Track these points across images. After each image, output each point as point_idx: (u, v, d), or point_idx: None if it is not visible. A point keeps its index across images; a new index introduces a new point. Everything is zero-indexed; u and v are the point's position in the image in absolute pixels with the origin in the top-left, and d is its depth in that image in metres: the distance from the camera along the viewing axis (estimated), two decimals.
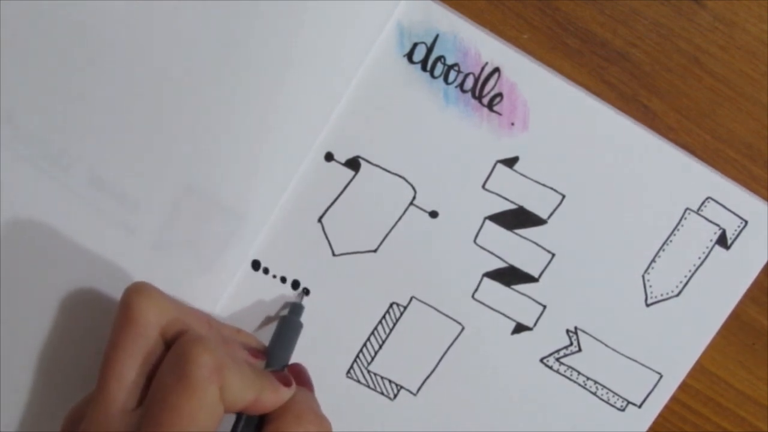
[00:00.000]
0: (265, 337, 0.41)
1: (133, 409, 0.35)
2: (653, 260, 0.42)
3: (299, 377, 0.39)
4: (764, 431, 0.45)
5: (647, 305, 0.43)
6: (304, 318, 0.41)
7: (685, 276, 0.42)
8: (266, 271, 0.42)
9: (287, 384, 0.37)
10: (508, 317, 0.43)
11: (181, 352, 0.34)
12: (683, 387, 0.43)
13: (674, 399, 0.44)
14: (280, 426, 0.36)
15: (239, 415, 0.37)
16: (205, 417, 0.33)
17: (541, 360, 0.43)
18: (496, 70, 0.41)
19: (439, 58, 0.40)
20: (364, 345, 0.43)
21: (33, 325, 0.40)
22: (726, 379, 0.44)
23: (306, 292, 0.42)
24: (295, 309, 0.41)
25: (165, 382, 0.33)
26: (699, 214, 0.42)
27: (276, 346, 0.40)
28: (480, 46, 0.40)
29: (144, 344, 0.35)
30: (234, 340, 0.39)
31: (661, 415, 0.44)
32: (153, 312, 0.35)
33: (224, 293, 0.41)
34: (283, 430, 0.36)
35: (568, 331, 0.43)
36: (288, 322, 0.41)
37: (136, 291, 0.36)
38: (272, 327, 0.42)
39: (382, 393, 0.43)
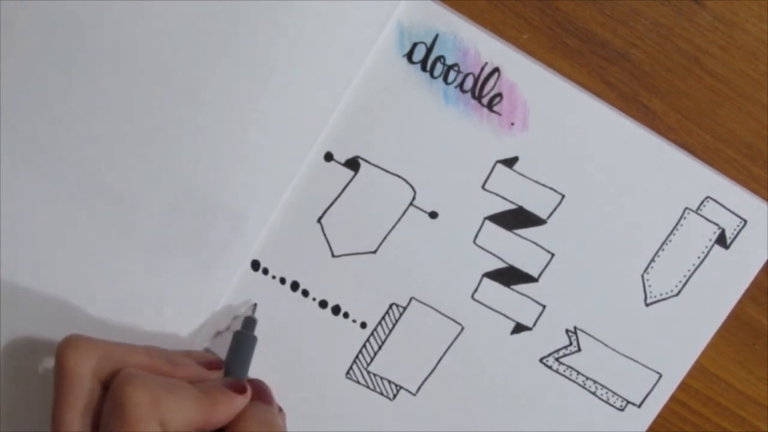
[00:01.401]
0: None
1: None
2: (652, 260, 0.42)
3: (257, 390, 0.39)
4: (764, 431, 0.45)
5: (647, 305, 0.43)
6: (308, 321, 0.41)
7: (685, 275, 0.42)
8: (266, 271, 0.42)
9: (241, 391, 0.37)
10: (508, 317, 0.43)
11: (115, 393, 0.34)
12: (683, 387, 0.43)
13: (674, 399, 0.44)
14: None
15: None
16: None
17: (541, 360, 0.43)
18: (496, 70, 0.40)
19: (438, 58, 0.40)
20: (364, 346, 0.43)
21: (34, 328, 0.40)
22: (726, 379, 0.44)
23: (255, 305, 0.42)
24: (248, 323, 0.41)
25: (107, 428, 0.34)
26: (698, 214, 0.42)
27: (231, 360, 0.39)
28: (480, 46, 0.40)
29: (83, 396, 0.35)
30: (185, 361, 0.38)
31: (660, 415, 0.44)
32: (85, 362, 0.35)
33: (224, 293, 0.41)
34: None
35: (567, 331, 0.43)
36: (242, 337, 0.40)
37: (66, 345, 0.36)
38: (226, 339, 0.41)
39: (382, 393, 0.43)
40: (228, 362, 0.39)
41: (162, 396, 0.34)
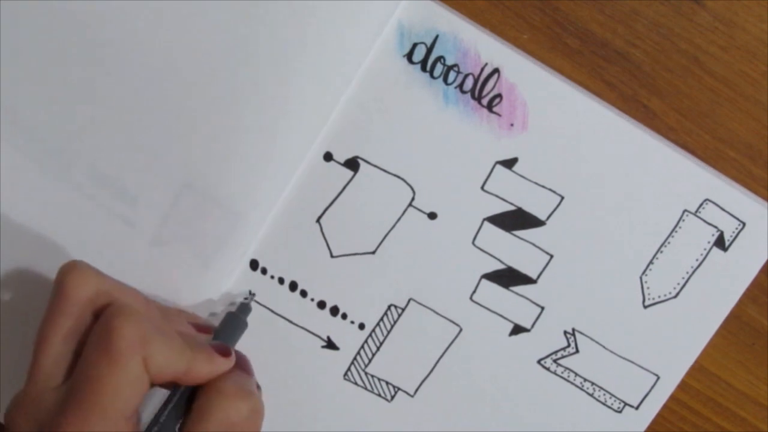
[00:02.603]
0: None
1: (62, 383, 0.34)
2: (651, 262, 0.42)
3: (239, 361, 0.38)
4: (764, 431, 0.45)
5: (645, 307, 0.43)
6: (306, 321, 0.42)
7: (683, 278, 0.42)
8: (264, 271, 0.42)
9: (225, 354, 0.37)
10: (506, 319, 0.43)
11: (105, 324, 0.33)
12: (683, 387, 0.43)
13: (674, 399, 0.44)
14: (209, 401, 0.35)
15: (175, 388, 0.36)
16: (128, 389, 0.33)
17: (539, 361, 0.43)
18: (496, 70, 0.40)
19: (438, 59, 0.40)
20: (362, 347, 0.43)
21: (29, 320, 0.41)
22: (726, 379, 0.44)
23: (253, 295, 0.42)
24: (243, 308, 0.41)
25: (89, 355, 0.33)
26: (697, 216, 0.42)
27: (219, 332, 0.39)
28: (480, 46, 0.40)
29: (74, 321, 0.35)
30: (177, 317, 0.38)
31: (660, 415, 0.44)
32: (84, 289, 0.35)
33: (222, 292, 0.42)
34: (211, 404, 0.35)
35: (565, 332, 0.43)
36: (233, 318, 0.40)
37: (69, 269, 0.36)
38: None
39: (380, 395, 0.43)
40: (216, 333, 0.39)
41: (150, 336, 0.33)
